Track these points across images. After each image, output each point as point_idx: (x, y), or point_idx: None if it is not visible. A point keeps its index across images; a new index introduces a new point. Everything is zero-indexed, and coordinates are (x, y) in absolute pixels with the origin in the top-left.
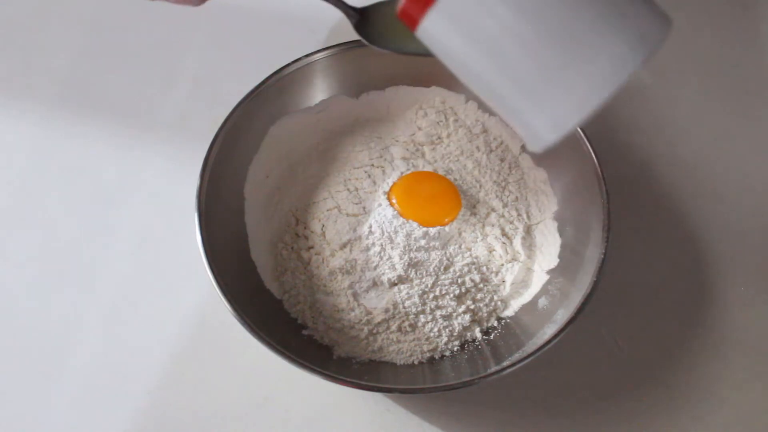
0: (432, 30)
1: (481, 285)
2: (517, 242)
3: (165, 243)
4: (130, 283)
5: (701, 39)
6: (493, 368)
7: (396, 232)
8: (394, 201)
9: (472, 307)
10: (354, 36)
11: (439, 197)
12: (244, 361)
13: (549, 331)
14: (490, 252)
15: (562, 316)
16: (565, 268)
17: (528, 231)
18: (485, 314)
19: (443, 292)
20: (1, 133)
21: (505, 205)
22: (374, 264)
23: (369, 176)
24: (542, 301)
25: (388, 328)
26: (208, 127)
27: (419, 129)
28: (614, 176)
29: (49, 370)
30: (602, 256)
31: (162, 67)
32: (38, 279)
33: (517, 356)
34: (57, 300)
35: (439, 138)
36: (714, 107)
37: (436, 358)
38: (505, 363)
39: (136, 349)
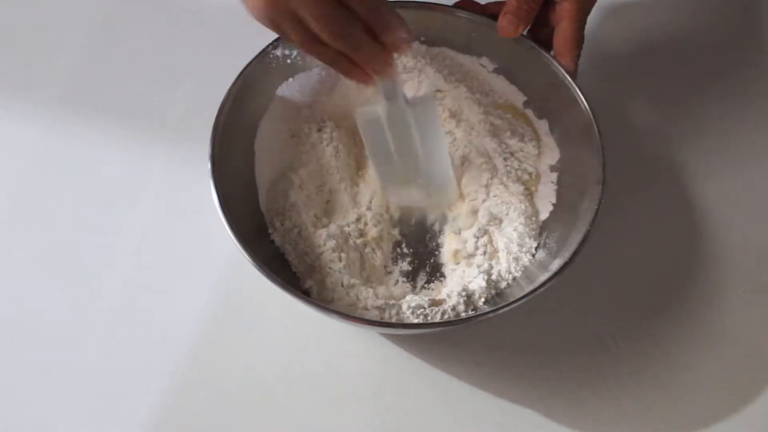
0: None
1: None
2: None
3: (168, 244)
4: (131, 286)
5: (701, 39)
6: (490, 308)
7: None
8: None
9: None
10: None
11: None
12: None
13: (543, 278)
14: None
15: (558, 265)
16: (562, 222)
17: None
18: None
19: None
20: (2, 133)
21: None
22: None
23: None
24: (540, 254)
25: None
26: (210, 129)
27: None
28: (616, 178)
29: (66, 362)
30: (597, 207)
31: (165, 67)
32: (37, 280)
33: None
34: (59, 302)
35: (442, 91)
36: (714, 107)
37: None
38: (501, 304)
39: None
